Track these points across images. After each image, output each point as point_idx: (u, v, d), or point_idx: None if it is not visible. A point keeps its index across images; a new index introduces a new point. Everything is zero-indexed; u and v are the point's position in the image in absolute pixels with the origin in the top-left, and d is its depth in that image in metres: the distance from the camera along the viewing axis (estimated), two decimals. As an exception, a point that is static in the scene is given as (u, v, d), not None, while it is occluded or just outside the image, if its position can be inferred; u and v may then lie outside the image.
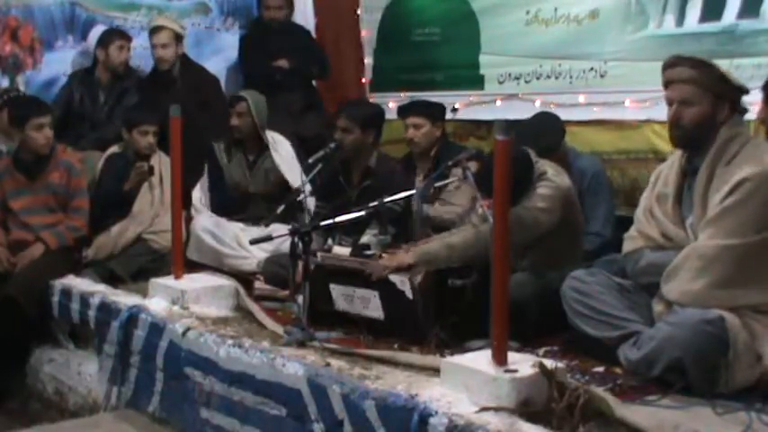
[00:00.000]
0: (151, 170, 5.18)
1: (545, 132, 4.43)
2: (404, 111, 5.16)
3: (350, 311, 3.79)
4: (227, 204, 5.33)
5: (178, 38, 5.94)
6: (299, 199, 4.68)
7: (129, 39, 5.99)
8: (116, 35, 5.94)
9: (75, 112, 5.83)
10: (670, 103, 3.21)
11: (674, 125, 3.19)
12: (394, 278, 3.62)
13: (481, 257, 3.46)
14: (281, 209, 4.68)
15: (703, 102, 3.12)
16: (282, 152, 5.39)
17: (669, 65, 3.20)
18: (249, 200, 5.35)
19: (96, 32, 6.03)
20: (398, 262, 3.66)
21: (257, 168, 5.36)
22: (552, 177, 3.78)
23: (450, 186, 4.55)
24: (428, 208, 4.57)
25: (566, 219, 3.78)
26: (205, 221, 5.12)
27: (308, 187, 4.67)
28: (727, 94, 3.11)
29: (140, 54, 6.07)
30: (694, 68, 3.13)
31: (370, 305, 3.71)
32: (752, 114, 3.68)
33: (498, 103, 5.70)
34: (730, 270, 2.97)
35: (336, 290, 3.82)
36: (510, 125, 2.83)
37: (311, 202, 4.80)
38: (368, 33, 6.66)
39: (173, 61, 5.91)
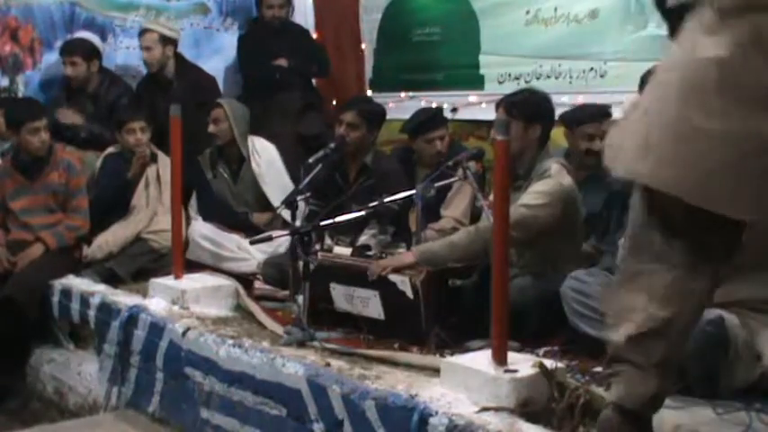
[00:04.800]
0: (153, 157, 5.17)
1: None
2: (430, 126, 4.86)
3: (350, 311, 3.80)
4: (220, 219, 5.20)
5: (166, 40, 5.88)
6: (299, 199, 4.65)
7: (86, 56, 5.68)
8: (70, 50, 5.70)
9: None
10: None
11: None
12: (394, 278, 3.61)
13: (482, 254, 3.46)
14: (280, 209, 4.66)
15: None
16: (264, 163, 5.23)
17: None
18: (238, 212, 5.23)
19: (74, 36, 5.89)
20: (400, 262, 3.67)
21: (240, 179, 5.24)
22: (554, 174, 3.72)
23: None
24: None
25: (564, 218, 3.73)
26: (203, 228, 5.08)
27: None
28: None
29: (140, 55, 6.04)
30: None
31: (371, 305, 3.71)
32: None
33: (498, 103, 5.69)
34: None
35: (337, 290, 3.82)
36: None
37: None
38: (368, 33, 6.66)
39: (159, 63, 5.86)
